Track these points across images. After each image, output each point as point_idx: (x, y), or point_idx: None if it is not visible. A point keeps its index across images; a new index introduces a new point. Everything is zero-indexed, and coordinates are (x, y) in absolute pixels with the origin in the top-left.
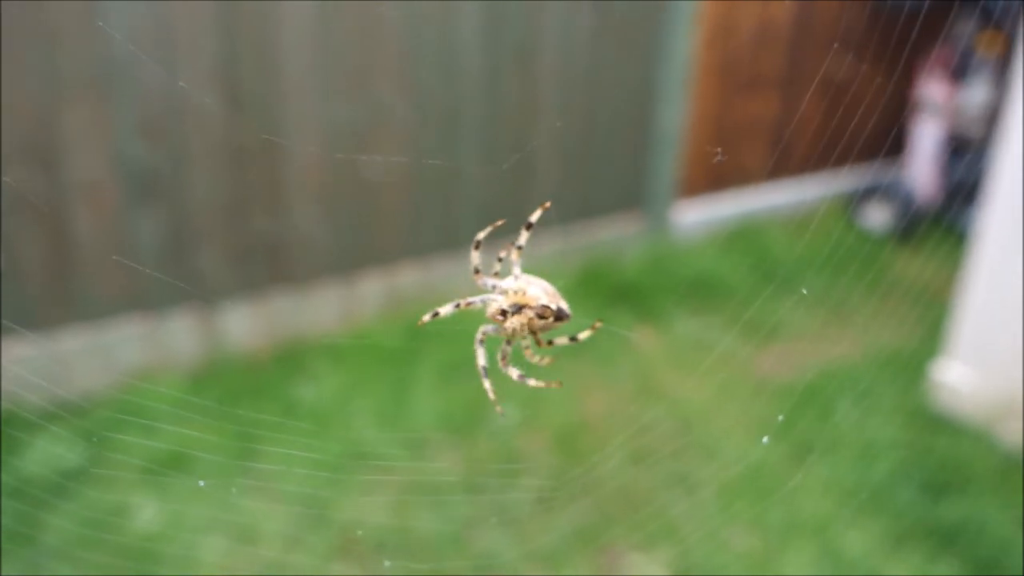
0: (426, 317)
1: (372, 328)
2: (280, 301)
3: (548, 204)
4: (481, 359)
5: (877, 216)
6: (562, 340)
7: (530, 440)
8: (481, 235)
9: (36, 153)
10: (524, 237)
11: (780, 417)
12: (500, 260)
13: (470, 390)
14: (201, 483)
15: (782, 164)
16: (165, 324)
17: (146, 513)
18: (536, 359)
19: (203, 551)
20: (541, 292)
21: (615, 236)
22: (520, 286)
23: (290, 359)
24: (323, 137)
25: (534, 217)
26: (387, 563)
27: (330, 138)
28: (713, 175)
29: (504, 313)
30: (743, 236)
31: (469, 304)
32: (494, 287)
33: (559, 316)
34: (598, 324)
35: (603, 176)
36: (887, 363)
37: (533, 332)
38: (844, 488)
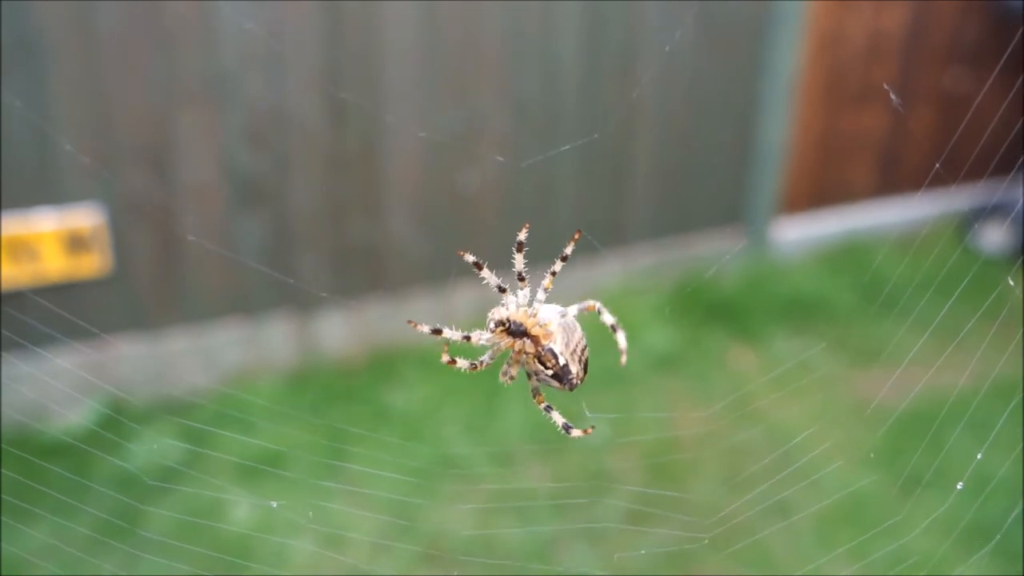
0: (425, 328)
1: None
2: (374, 308)
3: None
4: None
5: (995, 237)
6: (557, 417)
7: (619, 457)
8: (521, 235)
9: (150, 156)
10: (559, 265)
11: (871, 455)
12: (546, 290)
13: (561, 404)
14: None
15: (892, 180)
16: (264, 327)
17: (240, 510)
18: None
19: (293, 550)
20: (560, 337)
21: (712, 252)
22: (534, 311)
23: (382, 365)
24: (422, 146)
25: (568, 249)
26: None
27: (429, 147)
28: (817, 191)
29: (503, 325)
30: (848, 255)
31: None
32: (512, 303)
33: (558, 376)
34: (590, 430)
35: (701, 189)
36: (1001, 394)
37: (529, 374)
38: (955, 525)
